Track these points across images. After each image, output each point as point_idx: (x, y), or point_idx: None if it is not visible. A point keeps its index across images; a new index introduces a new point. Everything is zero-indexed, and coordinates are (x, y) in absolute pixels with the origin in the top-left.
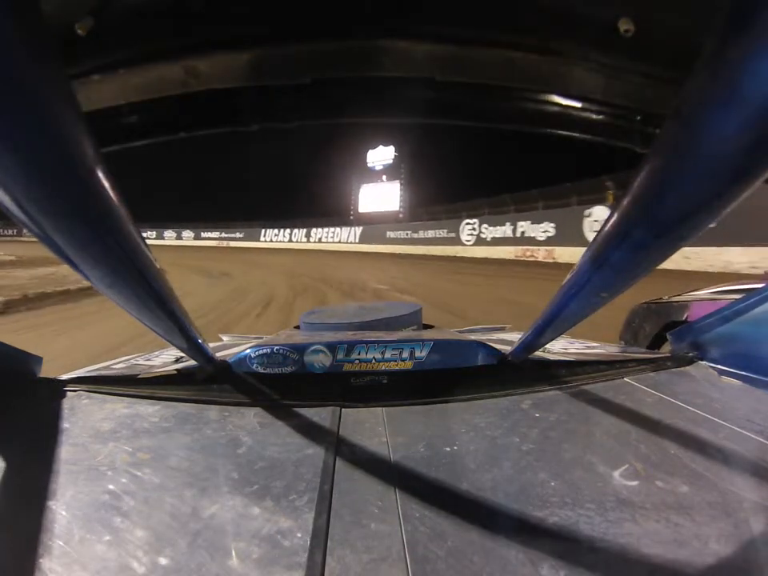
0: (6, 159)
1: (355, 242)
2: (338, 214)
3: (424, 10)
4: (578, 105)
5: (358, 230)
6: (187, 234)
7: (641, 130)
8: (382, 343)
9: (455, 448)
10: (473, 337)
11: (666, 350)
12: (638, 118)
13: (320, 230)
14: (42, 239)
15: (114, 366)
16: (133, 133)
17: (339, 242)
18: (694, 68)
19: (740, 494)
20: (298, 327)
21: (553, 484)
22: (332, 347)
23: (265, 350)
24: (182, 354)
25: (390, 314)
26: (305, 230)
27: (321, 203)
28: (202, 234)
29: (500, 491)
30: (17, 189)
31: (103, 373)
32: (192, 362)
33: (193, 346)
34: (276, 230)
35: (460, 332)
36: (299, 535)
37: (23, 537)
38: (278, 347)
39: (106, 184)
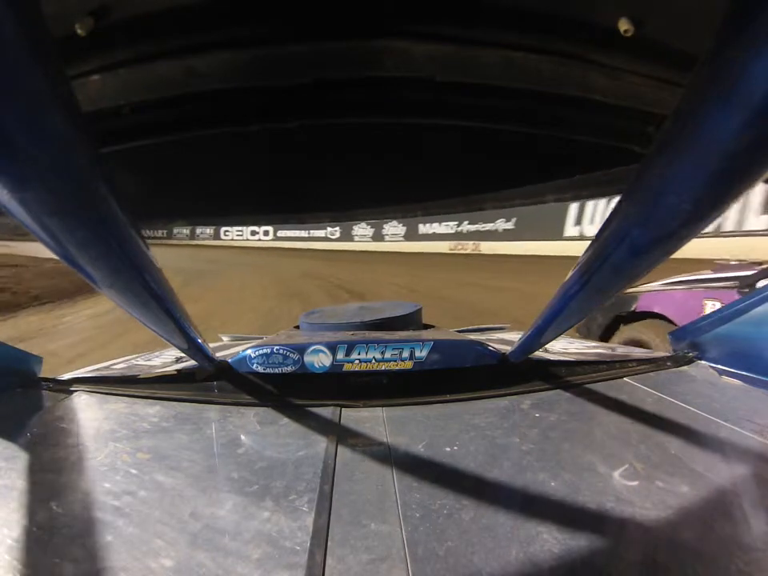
0: (5, 159)
1: None
2: None
3: (424, 9)
4: (578, 105)
5: None
6: (362, 230)
7: (641, 129)
8: (382, 343)
9: (455, 448)
10: (473, 337)
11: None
12: (638, 118)
13: None
14: (42, 239)
15: (114, 366)
16: (133, 133)
17: None
18: (694, 68)
19: (740, 494)
20: (297, 327)
21: (553, 484)
22: (332, 347)
23: (265, 350)
24: (182, 354)
25: (389, 314)
26: None
27: None
28: (383, 229)
29: (500, 491)
30: (17, 189)
31: (103, 373)
32: (192, 362)
33: (193, 346)
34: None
35: (460, 332)
36: (299, 535)
37: (23, 536)
38: (278, 347)
39: (106, 184)
